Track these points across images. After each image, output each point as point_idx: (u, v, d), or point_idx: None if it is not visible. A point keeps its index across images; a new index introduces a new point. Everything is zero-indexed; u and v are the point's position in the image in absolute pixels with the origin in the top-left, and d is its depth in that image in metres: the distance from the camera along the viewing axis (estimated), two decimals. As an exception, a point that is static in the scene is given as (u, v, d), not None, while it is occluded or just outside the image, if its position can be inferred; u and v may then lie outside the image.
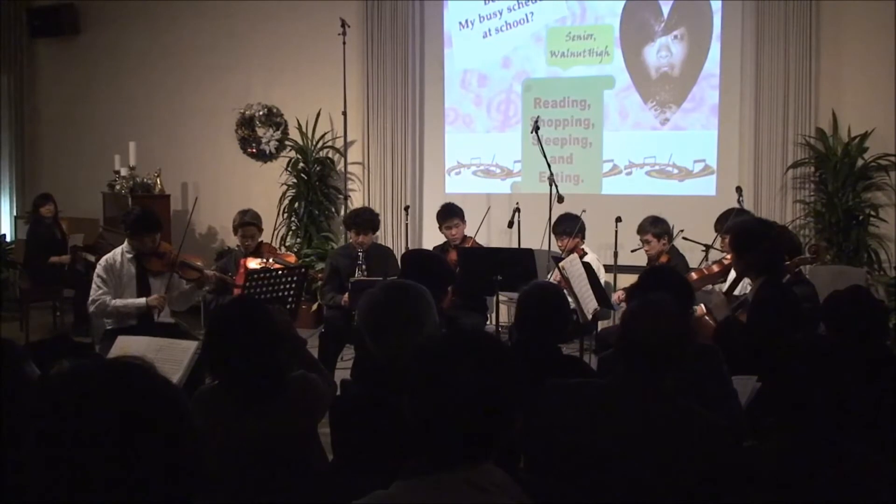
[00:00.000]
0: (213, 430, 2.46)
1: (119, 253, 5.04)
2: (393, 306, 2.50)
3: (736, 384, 3.10)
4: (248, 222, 5.72)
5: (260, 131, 8.37)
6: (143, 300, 4.92)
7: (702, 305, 4.10)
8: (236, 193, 8.17)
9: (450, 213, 6.29)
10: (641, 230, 5.81)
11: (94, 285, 4.93)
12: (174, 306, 5.23)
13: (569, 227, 5.96)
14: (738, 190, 6.56)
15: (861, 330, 3.02)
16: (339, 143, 7.95)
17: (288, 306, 4.96)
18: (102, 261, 5.02)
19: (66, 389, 1.11)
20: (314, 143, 8.08)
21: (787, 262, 4.17)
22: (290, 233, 8.08)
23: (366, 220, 5.83)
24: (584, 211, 6.06)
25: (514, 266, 5.49)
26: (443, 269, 3.88)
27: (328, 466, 2.71)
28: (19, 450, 1.09)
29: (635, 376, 2.27)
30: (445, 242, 6.36)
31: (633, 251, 6.03)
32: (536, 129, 6.25)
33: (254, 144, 8.42)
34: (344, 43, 7.50)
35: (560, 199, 6.09)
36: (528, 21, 7.70)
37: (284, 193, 8.07)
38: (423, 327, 2.46)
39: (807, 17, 6.72)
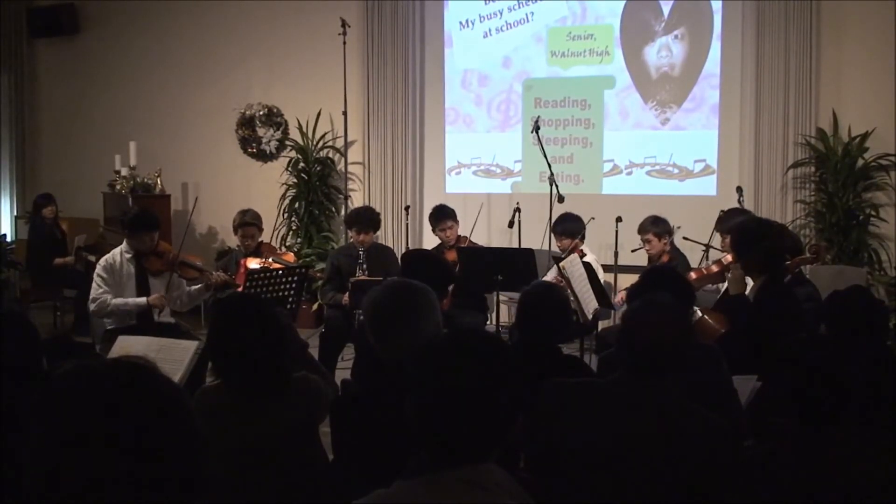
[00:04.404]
0: (214, 430, 2.45)
1: (118, 253, 5.04)
2: (398, 305, 2.50)
3: (736, 384, 3.10)
4: (248, 222, 5.72)
5: (260, 131, 8.37)
6: (143, 299, 4.92)
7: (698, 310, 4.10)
8: (236, 193, 8.17)
9: (443, 216, 6.29)
10: (642, 230, 5.80)
11: (94, 284, 4.94)
12: (177, 307, 5.24)
13: (568, 228, 5.95)
14: (739, 190, 6.57)
15: (861, 330, 3.02)
16: (340, 143, 7.96)
17: (288, 306, 4.96)
18: (102, 261, 5.03)
19: (68, 390, 1.11)
20: (314, 143, 8.08)
21: (788, 262, 4.17)
22: (291, 233, 8.09)
23: (367, 218, 5.83)
24: (592, 218, 6.05)
25: (514, 266, 5.49)
26: (443, 270, 3.87)
27: (328, 466, 2.71)
28: (22, 449, 1.09)
29: (636, 376, 2.27)
30: (441, 244, 6.36)
31: (633, 251, 6.03)
32: (537, 128, 6.25)
33: (254, 144, 8.42)
34: (344, 43, 7.50)
35: (560, 198, 6.10)
36: (528, 21, 7.70)
37: (285, 193, 8.07)
38: (426, 327, 2.46)
39: (807, 17, 6.72)
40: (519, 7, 7.72)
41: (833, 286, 3.59)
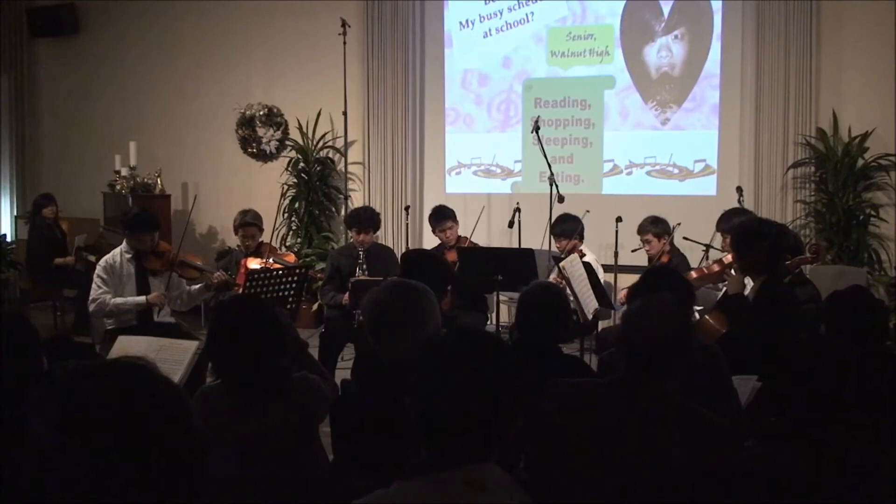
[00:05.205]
0: (214, 430, 2.45)
1: (118, 253, 5.05)
2: (397, 306, 2.50)
3: (736, 384, 3.10)
4: (248, 222, 5.72)
5: (260, 131, 8.37)
6: (142, 298, 4.94)
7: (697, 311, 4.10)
8: (236, 193, 8.18)
9: (442, 216, 6.29)
10: (642, 230, 5.80)
11: (94, 285, 4.95)
12: (177, 307, 5.24)
13: (567, 228, 5.95)
14: (739, 190, 6.57)
15: (861, 330, 3.02)
16: (340, 143, 7.96)
17: (288, 306, 4.96)
18: (102, 261, 5.04)
19: (69, 390, 1.11)
20: (314, 142, 8.08)
21: (788, 262, 4.17)
22: (291, 233, 8.09)
23: (367, 218, 5.83)
24: (587, 212, 6.07)
25: (514, 266, 5.49)
26: (442, 270, 3.88)
27: (328, 466, 2.71)
28: (23, 449, 1.09)
29: (636, 376, 2.27)
30: (440, 244, 6.36)
31: (633, 251, 6.04)
32: (537, 128, 6.25)
33: (254, 144, 8.42)
34: (344, 43, 7.50)
35: (560, 198, 6.09)
36: (528, 21, 7.70)
37: (285, 193, 8.06)
38: (426, 327, 2.46)
39: (807, 17, 6.72)
40: (519, 7, 7.72)
41: (833, 286, 3.59)
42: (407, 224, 7.37)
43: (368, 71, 7.90)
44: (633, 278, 3.95)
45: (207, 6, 8.45)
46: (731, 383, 3.06)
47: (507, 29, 7.77)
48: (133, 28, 8.78)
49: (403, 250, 6.77)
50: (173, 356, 3.74)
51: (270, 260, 5.62)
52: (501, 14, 7.77)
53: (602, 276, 5.56)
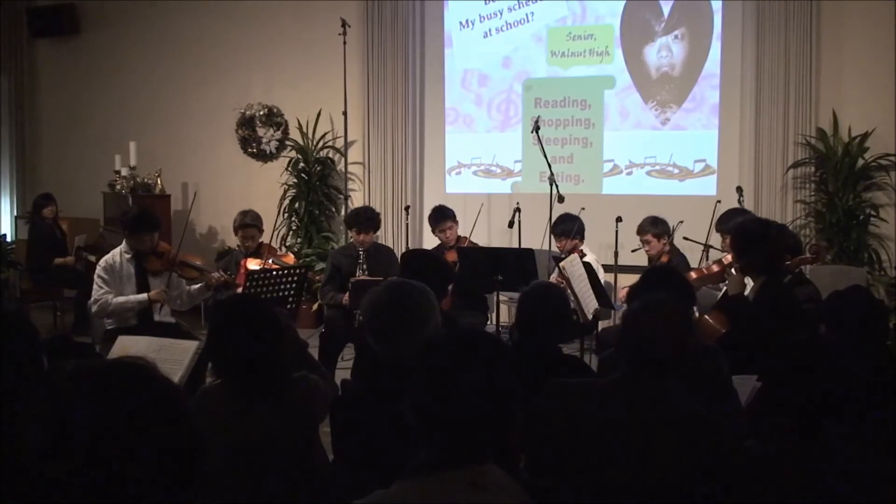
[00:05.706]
0: (214, 430, 2.45)
1: (118, 253, 5.05)
2: (396, 306, 2.49)
3: (736, 384, 3.10)
4: (248, 223, 5.72)
5: (260, 131, 8.37)
6: (144, 295, 4.94)
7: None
8: (236, 193, 8.18)
9: (442, 216, 6.29)
10: (641, 230, 5.81)
11: (95, 285, 4.94)
12: (177, 306, 5.24)
13: (567, 228, 5.96)
14: (739, 190, 6.57)
15: (861, 330, 3.02)
16: (340, 143, 7.96)
17: (288, 306, 4.96)
18: (102, 261, 5.04)
19: (69, 390, 1.11)
20: (314, 143, 8.08)
21: (788, 262, 4.17)
22: (291, 233, 8.09)
23: (367, 218, 5.83)
24: (582, 209, 6.07)
25: (514, 266, 5.49)
26: (442, 269, 3.87)
27: (328, 466, 2.71)
28: (23, 448, 1.09)
29: (636, 376, 2.27)
30: (440, 244, 6.36)
31: (633, 251, 6.04)
32: (537, 128, 6.25)
33: (254, 144, 8.42)
34: (344, 43, 7.50)
35: (560, 198, 6.09)
36: (528, 21, 7.71)
37: (285, 193, 8.07)
38: (426, 328, 2.46)
39: (807, 17, 6.72)
40: (519, 7, 7.72)
41: (833, 286, 3.58)
42: (407, 224, 7.37)
43: (368, 71, 7.91)
44: (633, 278, 3.95)
45: (207, 6, 8.45)
46: (731, 383, 3.06)
47: (507, 29, 7.77)
48: (133, 28, 8.78)
49: (403, 250, 6.77)
50: (173, 356, 3.74)
51: (269, 261, 5.62)
52: (501, 14, 7.77)
53: (602, 276, 5.56)
